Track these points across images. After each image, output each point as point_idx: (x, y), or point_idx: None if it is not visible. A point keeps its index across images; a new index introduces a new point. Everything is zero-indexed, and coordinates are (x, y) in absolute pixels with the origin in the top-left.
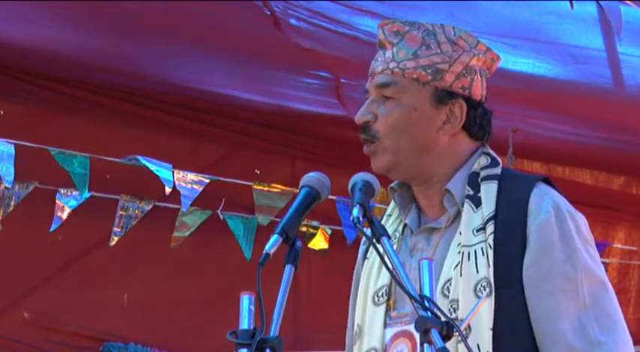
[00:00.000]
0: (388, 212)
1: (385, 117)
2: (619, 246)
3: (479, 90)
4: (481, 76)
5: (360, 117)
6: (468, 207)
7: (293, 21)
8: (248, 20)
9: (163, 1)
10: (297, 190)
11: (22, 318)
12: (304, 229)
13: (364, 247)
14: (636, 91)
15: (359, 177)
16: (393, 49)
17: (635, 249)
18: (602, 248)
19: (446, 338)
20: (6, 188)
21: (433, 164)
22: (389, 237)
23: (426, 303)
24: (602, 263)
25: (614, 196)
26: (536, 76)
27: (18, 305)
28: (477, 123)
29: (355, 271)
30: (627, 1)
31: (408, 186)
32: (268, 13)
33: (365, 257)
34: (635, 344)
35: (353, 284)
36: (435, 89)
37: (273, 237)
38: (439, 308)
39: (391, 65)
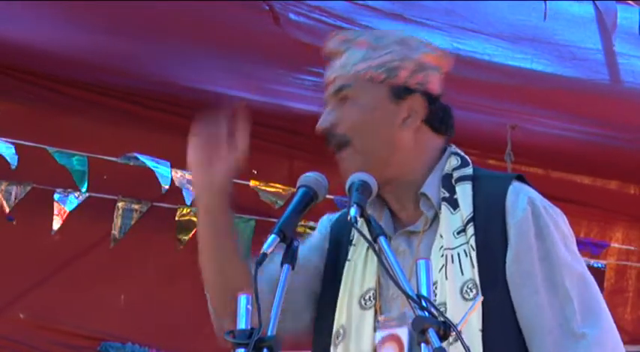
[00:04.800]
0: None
1: (347, 119)
2: (616, 245)
3: (435, 86)
4: (436, 73)
5: (319, 126)
6: (445, 209)
7: (292, 16)
8: (246, 16)
9: (160, 0)
10: (295, 190)
11: (19, 318)
12: (302, 229)
13: (330, 224)
14: (633, 88)
15: (356, 176)
16: (344, 56)
17: (632, 248)
18: (601, 249)
19: (443, 338)
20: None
21: (402, 162)
22: (386, 237)
23: (424, 303)
24: (600, 264)
25: (612, 196)
26: (535, 72)
27: (15, 305)
28: (439, 117)
29: (316, 236)
30: (624, 0)
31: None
32: (267, 7)
33: (343, 256)
34: (632, 343)
35: (317, 234)
36: (390, 86)
37: (271, 237)
38: (437, 308)
39: (343, 70)
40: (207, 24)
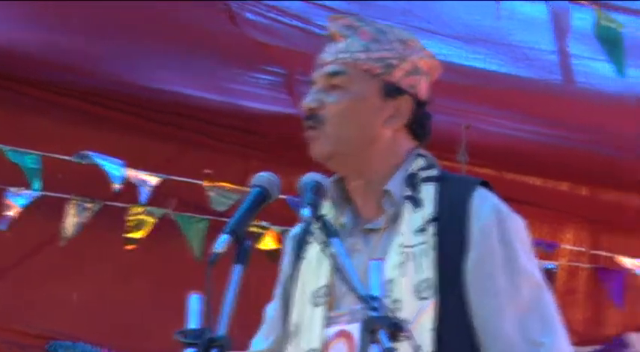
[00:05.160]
0: (323, 211)
1: (333, 104)
2: (567, 246)
3: (424, 91)
4: (426, 79)
5: (306, 103)
6: (408, 207)
7: (249, 15)
8: (203, 15)
9: (117, 0)
10: (249, 189)
11: None
12: (254, 229)
13: (294, 243)
14: (586, 89)
15: (309, 177)
16: (346, 41)
17: (583, 249)
18: (551, 249)
19: (393, 338)
20: None
21: (374, 158)
22: (339, 237)
23: (375, 304)
24: (552, 265)
25: (563, 197)
26: (489, 72)
27: None
28: (420, 122)
29: (285, 264)
30: (577, 1)
31: (342, 185)
32: (223, 7)
33: (299, 255)
34: (582, 344)
35: (281, 278)
36: (384, 83)
37: (223, 237)
38: (387, 309)
39: (343, 55)
40: (164, 23)
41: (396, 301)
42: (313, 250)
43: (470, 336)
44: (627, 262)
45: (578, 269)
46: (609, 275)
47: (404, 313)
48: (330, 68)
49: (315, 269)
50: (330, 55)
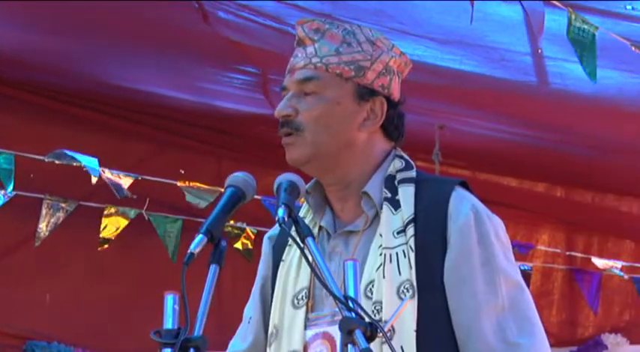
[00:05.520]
0: (301, 214)
1: (308, 110)
2: (543, 248)
3: (396, 91)
4: (398, 78)
5: (280, 110)
6: (386, 209)
7: (221, 14)
8: (175, 14)
9: (90, 0)
10: (223, 189)
11: None
12: (229, 229)
13: (272, 244)
14: (560, 90)
15: (284, 177)
16: (315, 45)
17: (558, 251)
18: (527, 250)
19: (370, 339)
20: None
21: (350, 162)
22: (314, 238)
23: (350, 304)
24: (527, 266)
25: (539, 199)
26: (464, 73)
27: None
28: (394, 123)
29: (262, 265)
30: (551, 2)
31: (321, 189)
32: (196, 6)
33: (279, 257)
34: (558, 345)
35: (259, 279)
36: (357, 85)
37: (198, 237)
38: (363, 309)
39: (314, 60)
40: (137, 22)
41: (377, 302)
42: (293, 253)
43: (451, 336)
44: (602, 263)
45: (553, 271)
46: (584, 277)
47: (385, 314)
48: (302, 74)
49: (295, 271)
50: (301, 60)
